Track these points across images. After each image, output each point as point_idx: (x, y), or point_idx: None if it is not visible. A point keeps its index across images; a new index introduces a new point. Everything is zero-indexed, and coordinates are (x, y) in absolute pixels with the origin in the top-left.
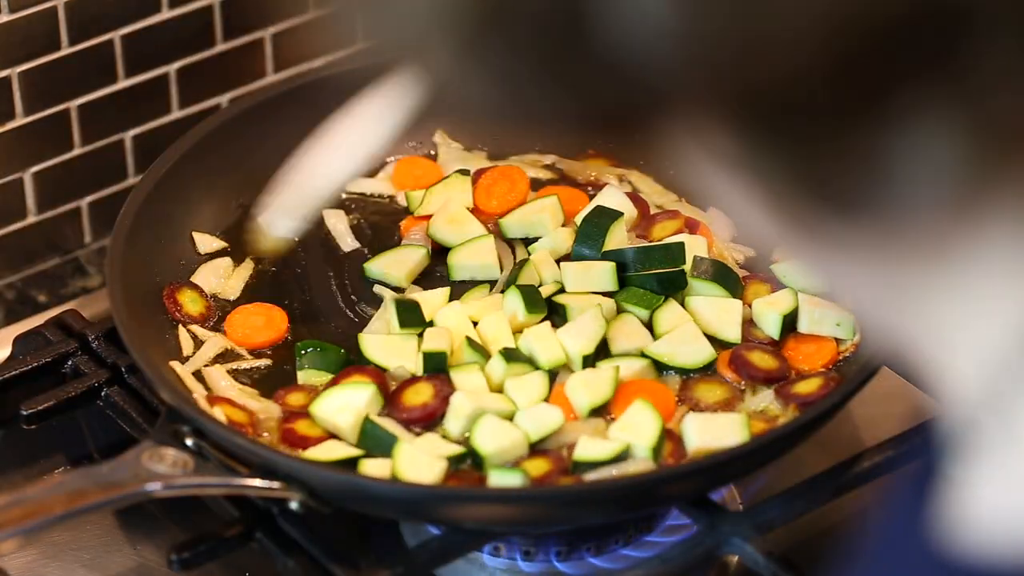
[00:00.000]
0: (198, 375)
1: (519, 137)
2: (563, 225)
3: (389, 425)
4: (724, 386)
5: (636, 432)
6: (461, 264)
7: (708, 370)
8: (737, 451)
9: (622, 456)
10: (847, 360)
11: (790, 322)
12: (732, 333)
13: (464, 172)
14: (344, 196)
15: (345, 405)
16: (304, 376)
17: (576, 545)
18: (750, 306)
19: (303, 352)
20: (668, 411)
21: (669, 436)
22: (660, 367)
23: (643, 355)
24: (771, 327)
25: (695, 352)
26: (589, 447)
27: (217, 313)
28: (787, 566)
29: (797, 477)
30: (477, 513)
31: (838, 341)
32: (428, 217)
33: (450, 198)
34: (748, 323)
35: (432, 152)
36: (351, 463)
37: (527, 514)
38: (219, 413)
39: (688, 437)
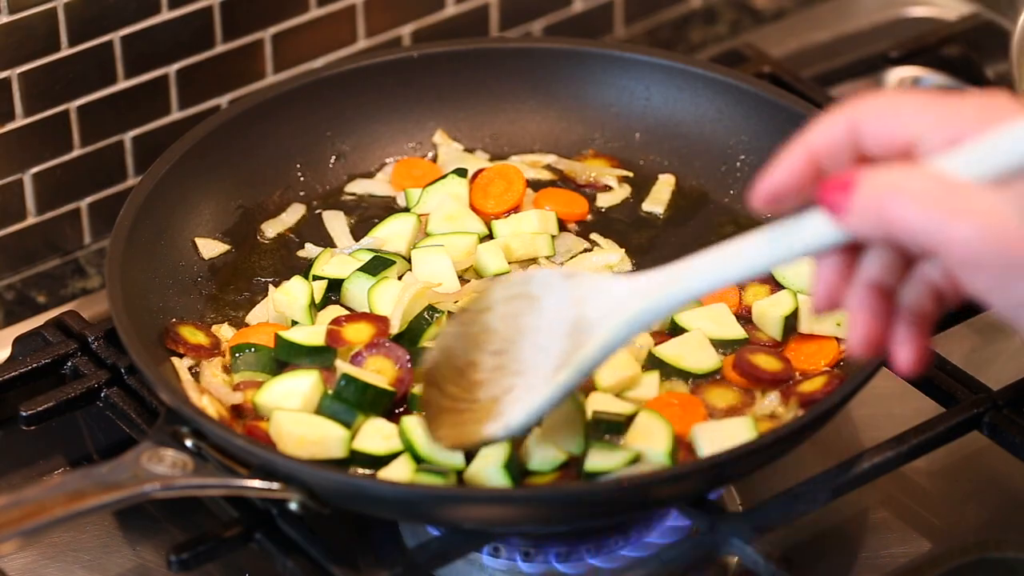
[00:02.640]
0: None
1: (518, 136)
2: (554, 237)
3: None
4: (734, 391)
5: (650, 440)
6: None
7: (715, 376)
8: (736, 452)
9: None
10: (848, 360)
11: (791, 323)
12: (735, 331)
13: (461, 172)
14: (343, 197)
15: (290, 391)
16: (239, 378)
17: (576, 546)
18: (749, 308)
19: (237, 355)
20: (695, 419)
21: (680, 444)
22: (666, 371)
23: (651, 357)
24: (773, 328)
25: (702, 359)
26: (600, 458)
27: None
28: (786, 567)
29: (797, 477)
30: (476, 514)
31: (839, 340)
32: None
33: (448, 194)
34: (750, 325)
35: (432, 153)
36: (349, 464)
37: (526, 515)
38: (208, 404)
39: (699, 445)
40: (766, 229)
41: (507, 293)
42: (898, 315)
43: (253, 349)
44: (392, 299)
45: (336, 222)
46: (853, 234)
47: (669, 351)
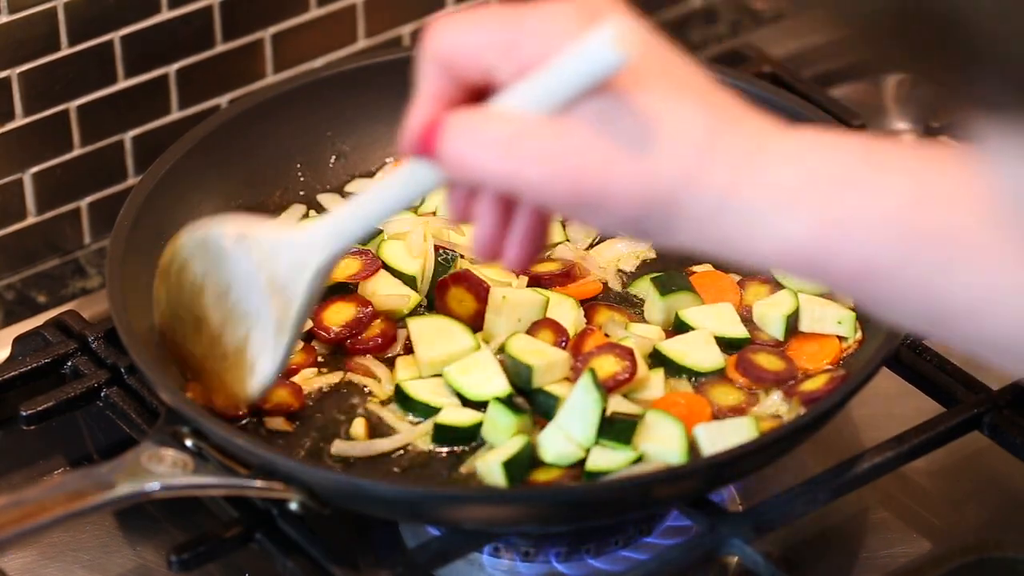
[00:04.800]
0: None
1: None
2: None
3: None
4: (737, 390)
5: (663, 440)
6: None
7: (718, 375)
8: (736, 452)
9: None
10: (850, 358)
11: (792, 322)
12: (738, 331)
13: None
14: (344, 197)
15: None
16: None
17: (576, 546)
18: (750, 308)
19: None
20: (701, 419)
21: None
22: (670, 369)
23: (654, 353)
24: (774, 328)
25: (705, 357)
26: (602, 458)
27: None
28: (786, 567)
29: (797, 477)
30: (476, 514)
31: (840, 339)
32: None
33: None
34: (751, 325)
35: None
36: (351, 465)
37: (526, 515)
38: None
39: (701, 445)
40: (407, 166)
41: (194, 244)
42: (516, 221)
43: None
44: (403, 252)
45: (334, 203)
46: (447, 178)
47: (673, 348)
